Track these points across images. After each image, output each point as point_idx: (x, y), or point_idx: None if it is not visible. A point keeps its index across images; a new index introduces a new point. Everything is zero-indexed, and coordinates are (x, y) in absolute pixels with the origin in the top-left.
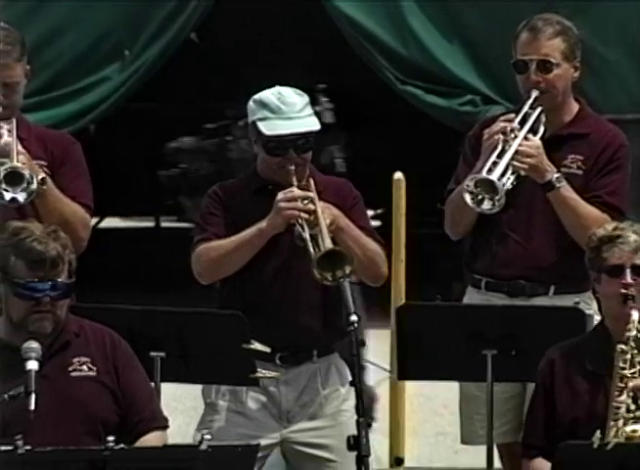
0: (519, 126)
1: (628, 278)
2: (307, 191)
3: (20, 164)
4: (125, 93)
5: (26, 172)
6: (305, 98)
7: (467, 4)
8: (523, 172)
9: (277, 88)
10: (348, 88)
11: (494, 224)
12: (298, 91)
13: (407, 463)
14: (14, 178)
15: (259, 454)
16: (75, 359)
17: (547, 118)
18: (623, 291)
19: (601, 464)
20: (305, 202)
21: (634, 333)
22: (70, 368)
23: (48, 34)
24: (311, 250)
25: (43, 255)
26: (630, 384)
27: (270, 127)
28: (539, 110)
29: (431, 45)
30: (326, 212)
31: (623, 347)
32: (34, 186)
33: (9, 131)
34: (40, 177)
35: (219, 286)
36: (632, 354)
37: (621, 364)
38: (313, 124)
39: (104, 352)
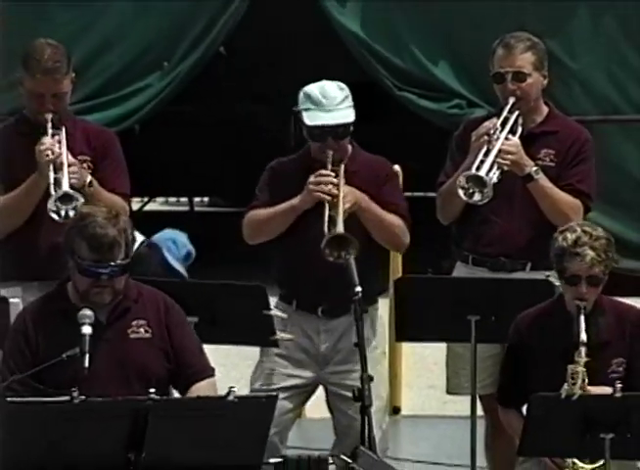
0: (500, 128)
1: (583, 288)
2: (335, 175)
3: (70, 191)
4: (164, 98)
5: (77, 195)
6: (345, 92)
7: (454, 24)
8: (506, 168)
9: (322, 82)
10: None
11: (479, 210)
12: (341, 85)
13: (403, 411)
14: (66, 198)
15: (301, 384)
16: (134, 322)
17: (522, 120)
18: (577, 302)
19: (568, 414)
20: (330, 187)
21: (583, 359)
22: (129, 331)
23: (98, 48)
24: (326, 229)
25: (102, 239)
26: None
27: (311, 118)
28: (516, 114)
29: (423, 58)
30: (348, 197)
31: (573, 367)
32: (81, 202)
33: (59, 142)
34: (88, 180)
35: (273, 252)
36: (581, 374)
37: (571, 381)
38: (348, 116)
39: (158, 315)
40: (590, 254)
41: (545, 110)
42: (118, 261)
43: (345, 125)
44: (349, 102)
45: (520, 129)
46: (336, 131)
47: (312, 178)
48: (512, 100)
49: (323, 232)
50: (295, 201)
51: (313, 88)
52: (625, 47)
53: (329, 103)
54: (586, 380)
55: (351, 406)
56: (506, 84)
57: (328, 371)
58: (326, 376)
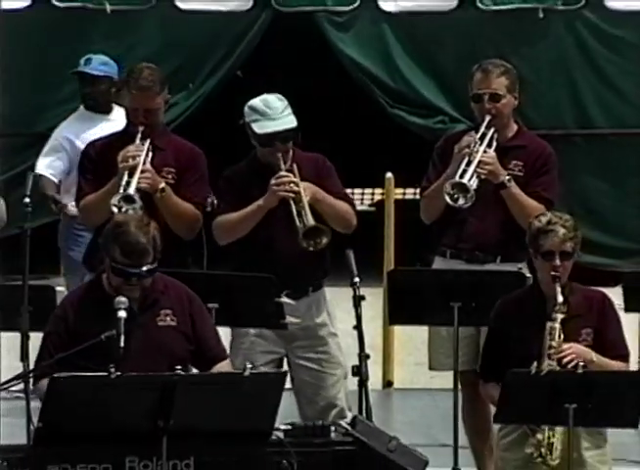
0: (479, 142)
1: (557, 262)
2: (292, 175)
3: (132, 193)
4: (190, 115)
5: (137, 198)
6: (285, 102)
7: (439, 51)
8: (483, 176)
9: (264, 95)
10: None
11: (457, 212)
12: (280, 96)
13: (395, 385)
14: (129, 199)
15: (276, 358)
16: (162, 312)
17: (496, 135)
18: (553, 273)
19: (537, 386)
20: (291, 185)
21: (559, 315)
22: (158, 319)
23: None
24: (297, 223)
25: (134, 247)
26: (555, 352)
27: (260, 127)
28: (492, 130)
29: (412, 79)
30: (307, 191)
31: (551, 324)
32: (139, 204)
33: (140, 151)
34: (161, 187)
35: (235, 249)
36: (558, 329)
37: (549, 337)
38: (291, 122)
39: (182, 305)
40: (562, 230)
41: (515, 127)
42: (147, 267)
43: (291, 130)
44: (290, 109)
45: (495, 143)
46: (284, 136)
47: (273, 180)
48: (488, 117)
49: (292, 226)
50: (260, 202)
51: (257, 101)
52: (586, 70)
53: (274, 112)
54: (562, 336)
55: (316, 377)
56: (483, 104)
57: (294, 346)
58: (293, 350)
